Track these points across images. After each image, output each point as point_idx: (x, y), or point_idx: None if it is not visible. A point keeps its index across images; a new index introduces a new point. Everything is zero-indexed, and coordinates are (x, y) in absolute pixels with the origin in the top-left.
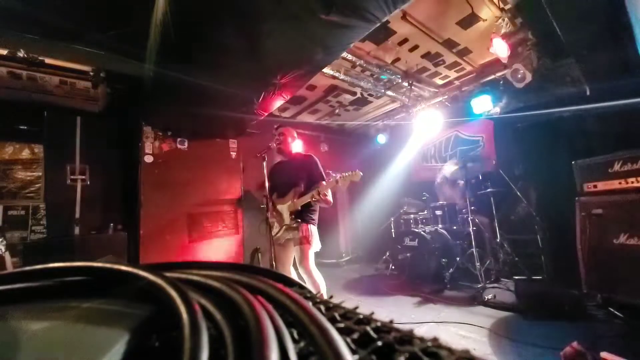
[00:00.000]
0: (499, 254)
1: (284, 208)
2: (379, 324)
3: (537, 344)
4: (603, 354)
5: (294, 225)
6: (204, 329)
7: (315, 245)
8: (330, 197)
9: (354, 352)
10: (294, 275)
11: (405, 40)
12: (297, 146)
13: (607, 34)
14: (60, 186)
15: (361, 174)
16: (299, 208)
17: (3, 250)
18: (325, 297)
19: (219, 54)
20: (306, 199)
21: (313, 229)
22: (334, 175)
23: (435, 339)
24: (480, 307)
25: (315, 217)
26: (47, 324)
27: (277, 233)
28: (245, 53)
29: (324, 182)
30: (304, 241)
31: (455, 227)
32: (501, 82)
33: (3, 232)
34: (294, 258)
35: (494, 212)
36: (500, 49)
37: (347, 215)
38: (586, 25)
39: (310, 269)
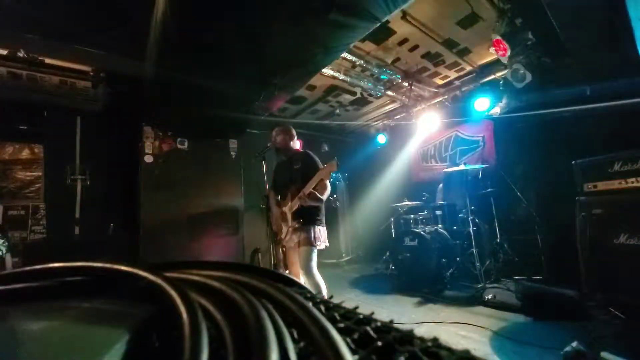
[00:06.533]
0: (499, 254)
1: (287, 210)
2: (379, 324)
3: (537, 344)
4: (603, 354)
5: (297, 226)
6: (204, 329)
7: (322, 244)
8: (319, 194)
9: (354, 352)
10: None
11: (405, 40)
12: (296, 145)
13: (607, 34)
14: (60, 186)
15: (337, 163)
16: (299, 208)
17: (4, 251)
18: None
19: (219, 54)
20: (296, 202)
21: (318, 229)
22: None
23: (435, 339)
24: (480, 307)
25: (321, 216)
26: (47, 324)
27: (285, 236)
28: (245, 53)
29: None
30: (305, 243)
31: (455, 227)
32: (501, 82)
33: (5, 233)
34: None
35: (494, 212)
36: (500, 49)
37: (347, 215)
38: (586, 25)
39: (310, 270)
